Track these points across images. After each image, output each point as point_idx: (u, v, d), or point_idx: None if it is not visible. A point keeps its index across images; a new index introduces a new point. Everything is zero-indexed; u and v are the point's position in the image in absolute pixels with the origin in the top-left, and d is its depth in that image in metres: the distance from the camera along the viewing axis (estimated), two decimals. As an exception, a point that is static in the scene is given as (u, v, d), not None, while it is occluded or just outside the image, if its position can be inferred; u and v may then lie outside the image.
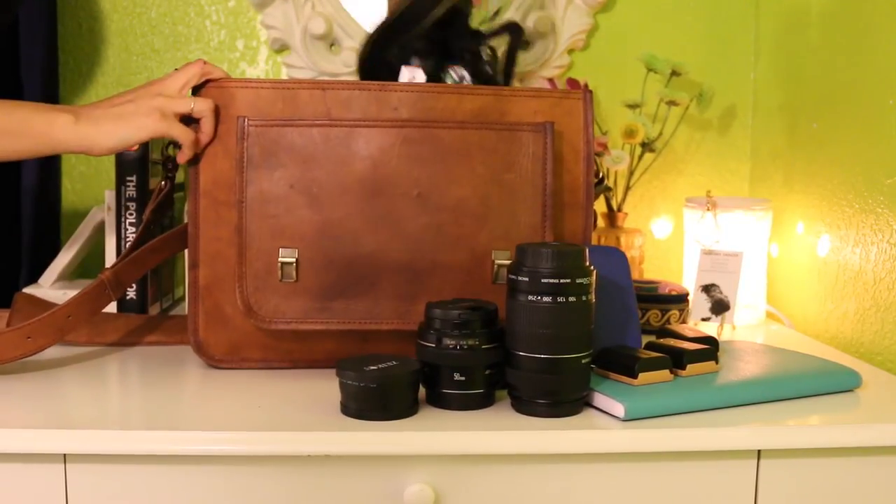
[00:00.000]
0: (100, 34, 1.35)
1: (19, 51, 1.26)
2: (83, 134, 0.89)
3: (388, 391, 0.80)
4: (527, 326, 0.81)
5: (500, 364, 0.84)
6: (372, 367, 0.81)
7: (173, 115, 0.92)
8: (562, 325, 0.80)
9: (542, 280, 0.80)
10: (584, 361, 0.82)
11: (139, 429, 0.77)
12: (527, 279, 0.80)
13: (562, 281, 0.80)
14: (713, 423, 0.81)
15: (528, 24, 1.35)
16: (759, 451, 0.82)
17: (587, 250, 0.83)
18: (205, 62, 0.96)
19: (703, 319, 1.18)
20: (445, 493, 0.80)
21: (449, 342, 0.83)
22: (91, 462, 0.77)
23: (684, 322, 1.19)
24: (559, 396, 0.82)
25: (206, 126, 0.94)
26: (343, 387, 0.81)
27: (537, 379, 0.81)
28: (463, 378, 0.83)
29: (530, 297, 0.80)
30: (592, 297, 0.82)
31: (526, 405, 0.83)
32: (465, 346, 0.83)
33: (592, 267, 0.82)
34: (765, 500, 0.83)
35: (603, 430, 0.80)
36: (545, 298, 0.80)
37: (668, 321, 1.17)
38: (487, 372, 0.84)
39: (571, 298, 0.80)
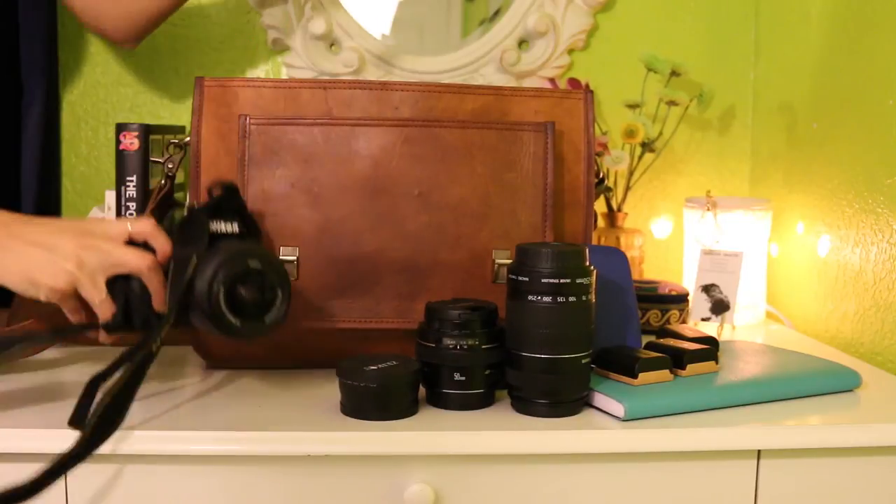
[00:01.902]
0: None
1: (19, 51, 1.25)
2: None
3: (388, 391, 0.80)
4: (527, 326, 0.81)
5: (499, 364, 0.84)
6: (372, 367, 0.81)
7: (98, 268, 0.78)
8: (562, 325, 0.80)
9: (542, 280, 0.80)
10: (583, 362, 0.82)
11: (139, 429, 0.77)
12: (527, 279, 0.80)
13: (561, 281, 0.80)
14: (713, 423, 0.82)
15: (529, 23, 1.36)
16: (758, 452, 0.82)
17: (587, 250, 0.83)
18: (156, 224, 0.82)
19: (703, 319, 1.18)
20: (445, 493, 0.80)
21: (449, 342, 0.83)
22: (91, 462, 0.77)
23: (684, 322, 1.19)
24: (559, 396, 0.82)
25: (160, 245, 0.80)
26: (343, 387, 0.81)
27: (537, 379, 0.81)
28: (463, 378, 0.83)
29: (530, 297, 0.80)
30: (593, 297, 0.82)
31: (526, 405, 0.83)
32: (465, 346, 0.83)
33: (593, 267, 0.82)
34: (765, 500, 0.83)
35: (603, 430, 0.80)
36: (545, 298, 0.80)
37: (667, 321, 1.17)
38: (487, 372, 0.84)
39: (571, 298, 0.80)
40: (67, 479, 0.77)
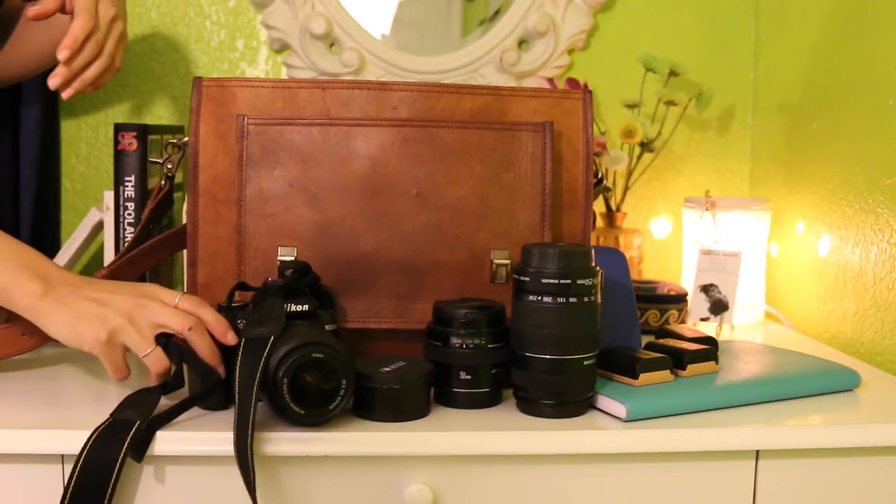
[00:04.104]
0: (99, 34, 1.35)
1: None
2: (40, 314, 0.81)
3: (408, 391, 0.80)
4: (530, 327, 0.81)
5: (505, 363, 0.84)
6: (386, 369, 0.81)
7: (146, 323, 0.80)
8: (564, 326, 0.80)
9: (543, 280, 0.80)
10: (586, 363, 0.81)
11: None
12: (529, 279, 0.80)
13: (562, 281, 0.80)
14: (712, 424, 0.81)
15: (529, 23, 1.35)
16: (757, 452, 0.82)
17: (592, 251, 0.82)
18: (202, 301, 0.84)
19: (702, 319, 1.18)
20: (444, 494, 0.80)
21: (455, 341, 0.83)
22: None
23: (682, 322, 1.18)
24: (564, 397, 0.82)
25: (205, 316, 0.82)
26: (358, 388, 0.80)
27: (540, 379, 0.81)
28: (468, 377, 0.83)
29: (532, 298, 0.80)
30: (597, 299, 0.82)
31: (531, 405, 0.82)
32: (471, 346, 0.83)
33: (598, 268, 0.82)
34: (763, 500, 0.83)
35: (604, 430, 0.80)
36: (546, 299, 0.80)
37: (666, 321, 1.17)
38: (493, 371, 0.84)
39: (572, 299, 0.80)
40: (66, 479, 0.77)
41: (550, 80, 1.38)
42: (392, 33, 1.38)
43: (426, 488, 0.79)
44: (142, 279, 1.13)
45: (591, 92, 1.00)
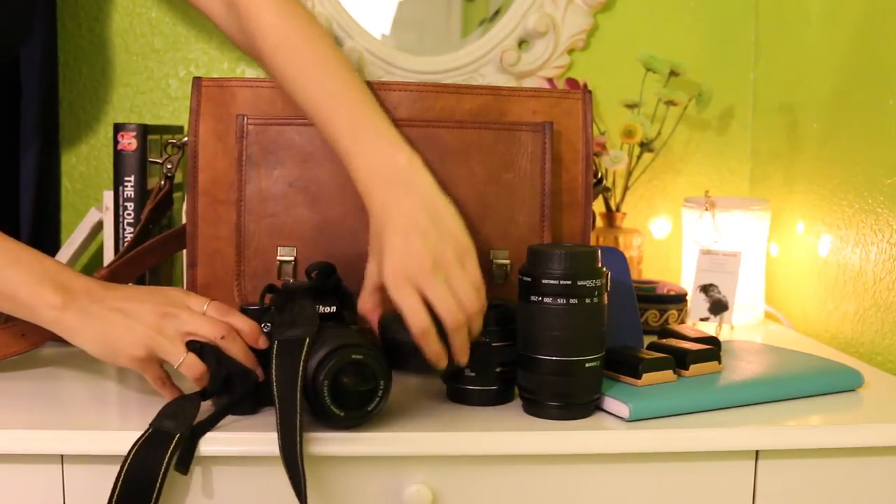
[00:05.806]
0: (100, 34, 1.35)
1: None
2: (65, 327, 0.80)
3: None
4: (534, 328, 0.81)
5: (514, 362, 0.84)
6: None
7: (176, 334, 0.79)
8: (567, 328, 0.80)
9: (544, 281, 0.80)
10: (588, 365, 0.81)
11: (137, 429, 0.76)
12: (533, 280, 0.80)
13: (562, 283, 0.79)
14: (712, 424, 0.81)
15: (529, 24, 1.35)
16: (756, 452, 0.82)
17: (599, 252, 0.82)
18: (229, 308, 0.82)
19: (702, 319, 1.18)
20: (443, 494, 0.80)
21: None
22: (88, 462, 0.77)
23: (682, 322, 1.18)
24: (571, 399, 0.81)
25: (230, 346, 0.79)
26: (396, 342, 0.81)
27: (547, 381, 0.81)
28: (473, 374, 0.84)
29: (534, 298, 0.80)
30: (602, 300, 0.81)
31: (537, 407, 0.82)
32: (476, 343, 0.83)
33: (605, 269, 0.82)
34: (763, 501, 0.83)
35: (606, 430, 0.80)
36: (546, 300, 0.80)
37: (666, 321, 1.17)
38: (498, 369, 0.84)
39: (573, 300, 0.79)
40: (65, 479, 0.77)
41: (550, 80, 1.38)
42: (392, 33, 1.38)
43: (425, 488, 0.79)
44: (141, 279, 1.13)
45: (590, 92, 1.01)
